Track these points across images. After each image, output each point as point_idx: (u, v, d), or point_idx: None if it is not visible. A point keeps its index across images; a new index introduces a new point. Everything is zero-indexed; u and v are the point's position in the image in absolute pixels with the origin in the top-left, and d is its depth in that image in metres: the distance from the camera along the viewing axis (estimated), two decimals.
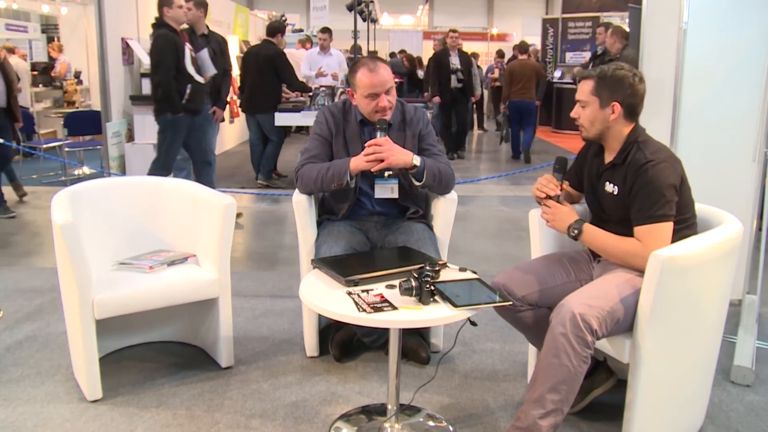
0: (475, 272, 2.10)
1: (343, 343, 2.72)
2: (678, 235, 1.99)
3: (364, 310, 1.82)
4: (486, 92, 12.29)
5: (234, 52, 8.28)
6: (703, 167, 2.88)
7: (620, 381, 2.18)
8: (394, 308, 1.84)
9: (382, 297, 1.91)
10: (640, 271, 1.94)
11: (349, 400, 2.40)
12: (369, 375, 2.58)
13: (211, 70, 4.89)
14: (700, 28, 3.04)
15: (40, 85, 9.48)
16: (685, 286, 1.91)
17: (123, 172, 5.98)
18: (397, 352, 2.09)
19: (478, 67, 10.00)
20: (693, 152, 2.99)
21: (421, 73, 10.83)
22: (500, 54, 12.24)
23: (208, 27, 5.27)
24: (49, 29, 12.13)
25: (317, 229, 2.62)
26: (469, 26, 19.64)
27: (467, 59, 8.46)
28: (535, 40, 13.15)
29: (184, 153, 5.10)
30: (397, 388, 2.13)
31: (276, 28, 6.62)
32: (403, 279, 1.88)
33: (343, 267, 2.12)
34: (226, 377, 2.56)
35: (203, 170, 4.86)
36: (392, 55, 13.47)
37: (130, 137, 6.28)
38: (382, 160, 2.41)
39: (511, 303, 2.08)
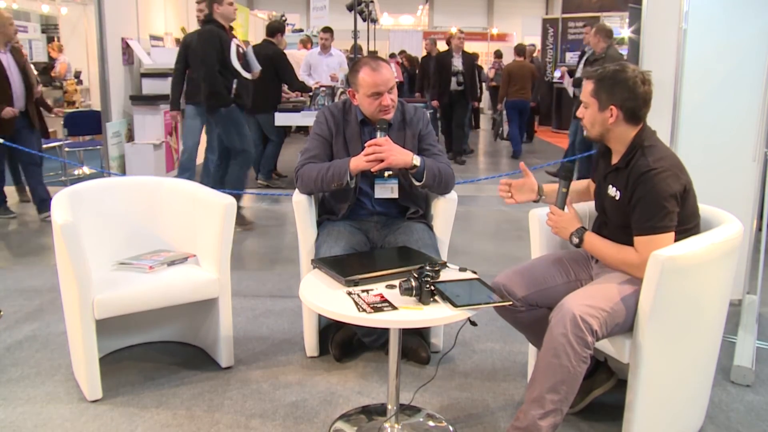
0: (475, 272, 2.10)
1: (343, 343, 2.72)
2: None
3: (364, 310, 1.82)
4: (486, 92, 12.30)
5: None
6: (703, 167, 2.87)
7: (620, 381, 2.18)
8: (394, 308, 1.84)
9: (382, 297, 1.91)
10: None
11: (349, 400, 2.40)
12: (369, 375, 2.58)
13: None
14: (699, 29, 3.04)
15: (40, 86, 9.46)
16: (685, 286, 1.91)
17: (123, 172, 5.98)
18: (397, 352, 2.09)
19: (480, 67, 9.98)
20: (693, 152, 2.99)
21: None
22: (498, 55, 12.24)
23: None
24: (49, 29, 12.14)
25: (317, 229, 2.62)
26: (469, 26, 19.62)
27: (471, 62, 8.29)
28: (535, 40, 13.17)
29: (191, 153, 5.12)
30: (397, 388, 2.13)
31: (276, 28, 6.62)
32: (403, 279, 1.88)
33: (343, 267, 2.12)
34: (226, 377, 2.56)
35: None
36: (392, 56, 13.45)
37: (130, 137, 6.28)
38: (382, 160, 2.41)
39: (510, 303, 2.08)
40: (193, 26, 8.36)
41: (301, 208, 2.58)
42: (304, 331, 2.71)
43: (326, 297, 1.95)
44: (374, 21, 9.52)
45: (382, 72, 2.48)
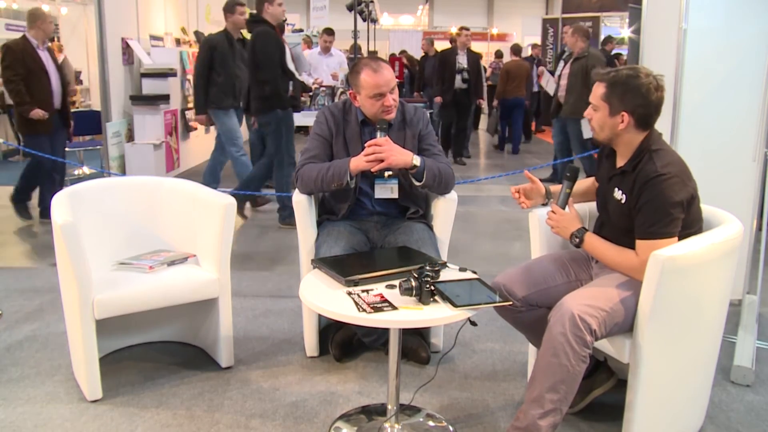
0: (475, 272, 2.10)
1: (343, 343, 2.72)
2: None
3: (364, 310, 1.82)
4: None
5: None
6: (703, 167, 2.85)
7: (620, 381, 2.18)
8: (394, 308, 1.84)
9: (382, 297, 1.91)
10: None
11: (349, 400, 2.40)
12: (369, 375, 2.58)
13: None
14: (700, 29, 3.04)
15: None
16: (685, 286, 1.91)
17: (123, 172, 5.98)
18: (397, 352, 2.09)
19: (484, 67, 9.95)
20: (693, 152, 2.98)
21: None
22: (498, 55, 12.24)
23: (241, 32, 5.23)
24: None
25: (317, 229, 2.62)
26: (469, 26, 19.60)
27: (476, 60, 8.12)
28: (535, 40, 13.14)
29: (242, 156, 5.05)
30: (397, 388, 2.13)
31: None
32: (403, 279, 1.88)
33: (343, 267, 2.12)
34: (226, 377, 2.56)
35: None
36: (393, 56, 13.43)
37: (130, 137, 6.28)
38: (382, 160, 2.41)
39: (511, 303, 2.07)
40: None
41: (301, 208, 2.58)
42: (304, 331, 2.71)
43: (326, 297, 1.95)
44: (374, 21, 9.51)
45: (384, 73, 2.48)
